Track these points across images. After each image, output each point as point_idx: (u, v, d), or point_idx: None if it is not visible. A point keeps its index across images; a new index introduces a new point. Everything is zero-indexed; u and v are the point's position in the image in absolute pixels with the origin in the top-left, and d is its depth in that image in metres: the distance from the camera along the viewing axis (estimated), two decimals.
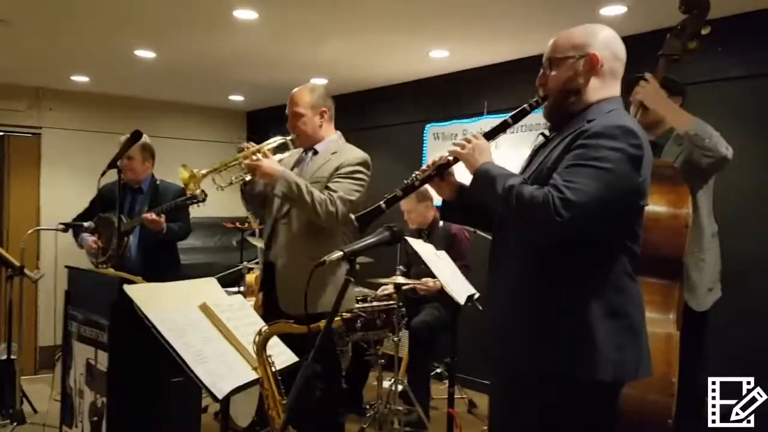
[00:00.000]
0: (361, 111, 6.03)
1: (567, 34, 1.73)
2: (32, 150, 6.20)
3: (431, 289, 3.99)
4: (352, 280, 1.50)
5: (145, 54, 4.81)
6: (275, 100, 6.56)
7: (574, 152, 1.57)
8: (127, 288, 1.73)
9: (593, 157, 1.53)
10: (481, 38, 4.35)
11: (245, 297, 5.28)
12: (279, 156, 2.79)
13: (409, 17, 3.90)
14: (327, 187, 2.67)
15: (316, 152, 2.83)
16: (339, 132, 2.92)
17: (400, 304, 3.89)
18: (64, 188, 6.18)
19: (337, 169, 2.72)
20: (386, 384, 4.03)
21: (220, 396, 1.63)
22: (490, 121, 5.05)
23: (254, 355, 1.77)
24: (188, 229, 3.84)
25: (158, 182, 3.87)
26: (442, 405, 4.36)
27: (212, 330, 1.86)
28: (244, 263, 5.34)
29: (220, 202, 4.88)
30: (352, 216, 1.84)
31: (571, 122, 1.69)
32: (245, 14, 3.81)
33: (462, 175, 1.83)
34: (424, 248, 3.09)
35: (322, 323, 1.63)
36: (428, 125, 5.53)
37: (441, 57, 4.81)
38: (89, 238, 3.74)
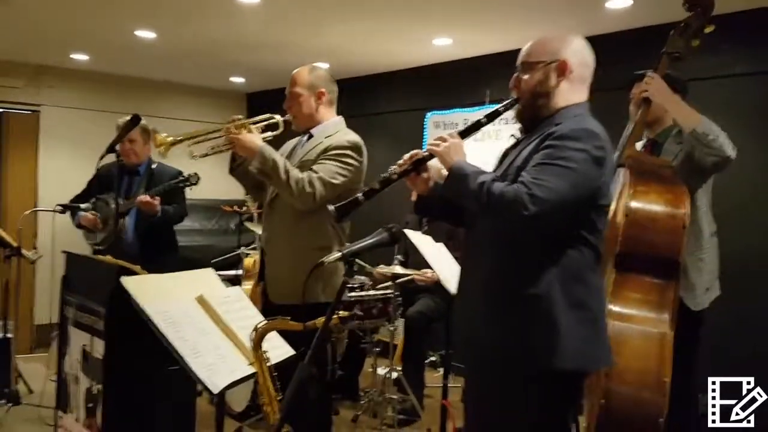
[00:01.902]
0: (361, 96, 5.99)
1: (540, 40, 1.85)
2: (30, 127, 6.16)
3: (430, 280, 4.00)
4: (350, 281, 1.49)
5: (146, 34, 4.77)
6: (276, 83, 6.52)
7: (542, 152, 1.68)
8: (124, 280, 1.73)
9: (560, 157, 1.64)
10: (485, 27, 4.32)
11: (243, 280, 5.37)
12: (268, 133, 2.65)
13: (413, 4, 3.87)
14: (310, 168, 2.54)
15: (311, 136, 2.70)
16: (341, 117, 2.76)
17: (397, 293, 3.91)
18: (63, 166, 6.15)
19: (325, 150, 2.58)
20: (381, 371, 4.06)
21: (215, 391, 1.65)
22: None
23: (250, 350, 1.78)
24: (184, 212, 3.83)
25: (154, 165, 3.86)
26: (436, 393, 4.39)
27: (209, 323, 1.86)
28: (242, 249, 5.34)
29: (218, 185, 4.88)
30: (330, 207, 1.85)
31: (540, 125, 1.80)
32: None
33: None
34: (422, 241, 3.10)
35: (319, 321, 1.63)
36: (429, 113, 5.50)
37: (444, 45, 4.78)
38: (87, 214, 3.73)
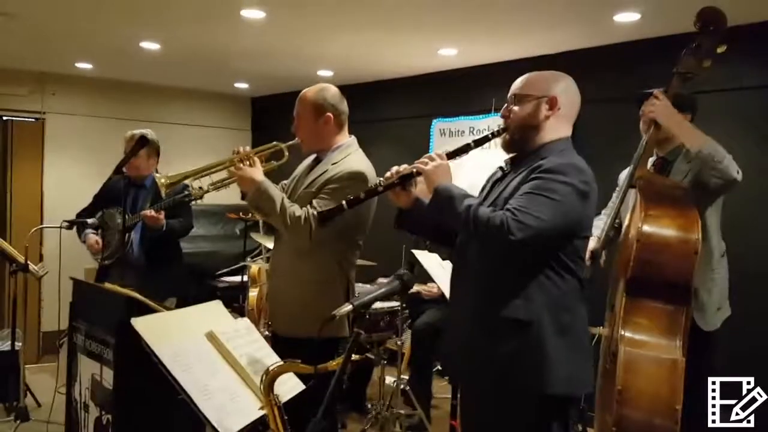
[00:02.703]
0: (365, 103, 5.94)
1: (534, 75, 1.95)
2: (36, 135, 6.15)
3: (435, 294, 3.98)
4: (362, 333, 1.48)
5: (151, 45, 4.76)
6: (280, 88, 6.52)
7: (529, 183, 1.77)
8: (134, 322, 1.72)
9: (547, 188, 1.73)
10: (491, 38, 4.29)
11: (249, 287, 5.36)
12: (273, 162, 2.58)
13: (417, 16, 3.84)
14: (310, 203, 2.44)
15: (319, 161, 2.60)
16: (353, 138, 2.63)
17: (404, 305, 3.90)
18: (68, 173, 6.17)
19: (327, 182, 2.46)
20: (389, 380, 4.05)
21: None
22: (497, 119, 4.98)
23: (261, 389, 1.76)
24: (190, 225, 3.82)
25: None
26: (444, 404, 4.40)
27: (219, 361, 1.85)
28: (248, 260, 5.33)
29: (223, 191, 4.88)
30: (314, 212, 1.93)
31: (526, 159, 1.89)
32: (253, 13, 3.76)
33: None
34: (429, 260, 3.08)
35: (331, 364, 1.62)
36: (435, 120, 5.47)
37: (449, 54, 4.75)
38: (92, 237, 3.74)
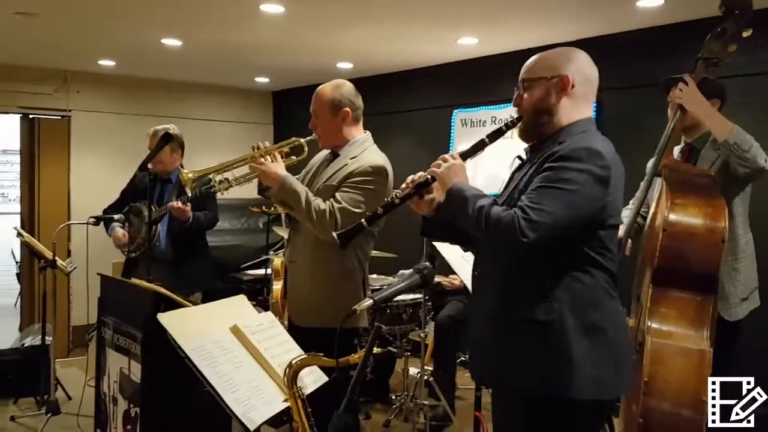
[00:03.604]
0: (385, 95, 5.95)
1: (541, 56, 1.81)
2: (62, 133, 6.25)
3: (458, 286, 3.97)
4: (383, 327, 1.48)
5: (172, 42, 4.80)
6: (300, 81, 6.53)
7: (542, 174, 1.65)
8: (161, 317, 1.75)
9: (560, 179, 1.60)
10: (512, 26, 4.25)
11: (273, 280, 5.40)
12: (293, 158, 2.66)
13: (436, 7, 3.81)
14: (333, 196, 2.50)
15: (337, 155, 2.65)
16: (368, 133, 2.69)
17: (426, 297, 3.90)
18: (94, 170, 6.27)
19: (349, 176, 2.52)
20: (412, 371, 4.06)
21: (251, 428, 1.66)
22: None
23: (284, 382, 1.78)
24: (215, 218, 3.86)
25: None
26: (468, 395, 4.40)
27: (244, 354, 1.88)
28: (270, 253, 5.37)
29: (246, 186, 4.92)
30: (334, 234, 1.88)
31: (544, 145, 1.76)
32: (272, 8, 3.77)
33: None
34: (450, 251, 3.07)
35: (353, 357, 1.63)
36: (456, 111, 5.43)
37: (469, 44, 4.71)
38: (119, 230, 3.79)
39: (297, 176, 2.76)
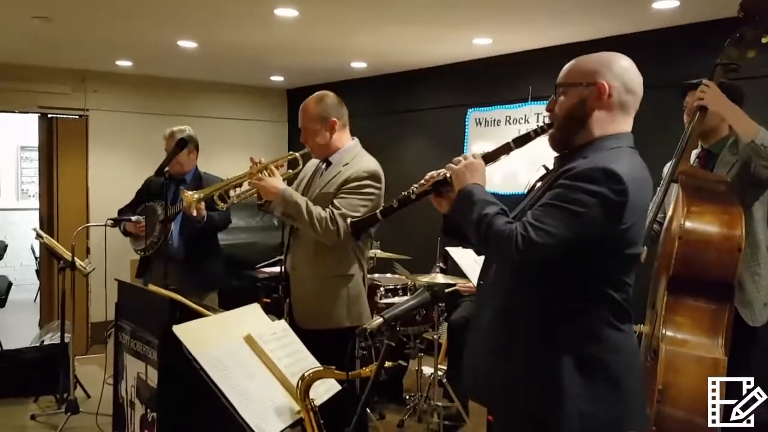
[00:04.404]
0: (400, 94, 5.93)
1: (579, 60, 1.69)
2: (80, 132, 6.32)
3: (473, 290, 3.96)
4: (393, 344, 1.50)
5: (188, 44, 4.84)
6: (315, 80, 6.52)
7: (553, 191, 1.56)
8: (176, 329, 1.77)
9: (568, 199, 1.51)
10: (527, 26, 4.22)
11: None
12: (290, 171, 2.83)
13: (451, 8, 3.79)
14: (332, 203, 2.60)
15: (329, 163, 2.76)
16: (356, 139, 2.81)
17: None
18: (112, 169, 6.34)
19: (345, 182, 2.63)
20: (426, 371, 4.07)
21: None
22: (533, 108, 4.93)
23: (298, 391, 1.80)
24: (228, 218, 3.88)
25: (202, 173, 3.93)
26: None
27: (257, 364, 1.90)
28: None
29: None
30: (348, 221, 1.94)
31: (571, 156, 1.66)
32: (286, 12, 3.78)
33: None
34: (463, 256, 3.07)
35: (364, 371, 1.64)
36: (470, 110, 5.40)
37: (484, 44, 4.69)
38: (133, 218, 3.81)
39: (290, 186, 2.85)
